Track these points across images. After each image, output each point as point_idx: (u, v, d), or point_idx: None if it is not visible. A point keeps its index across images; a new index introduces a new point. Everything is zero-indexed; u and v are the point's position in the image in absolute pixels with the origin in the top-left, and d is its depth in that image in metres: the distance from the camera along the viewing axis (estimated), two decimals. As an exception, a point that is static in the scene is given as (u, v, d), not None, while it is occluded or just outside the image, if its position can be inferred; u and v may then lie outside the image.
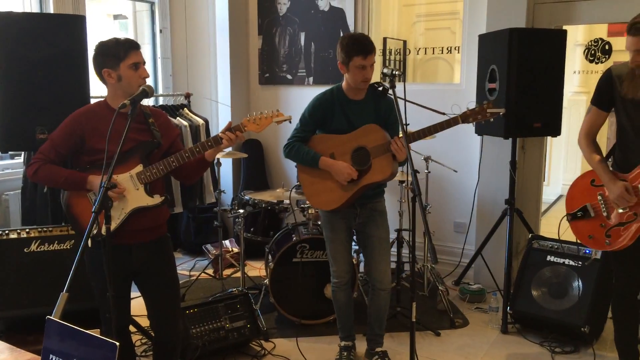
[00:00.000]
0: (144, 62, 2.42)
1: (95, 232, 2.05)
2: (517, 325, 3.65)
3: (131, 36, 5.33)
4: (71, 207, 2.41)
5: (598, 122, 2.77)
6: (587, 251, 3.45)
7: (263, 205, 4.13)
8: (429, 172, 4.15)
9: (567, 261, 3.51)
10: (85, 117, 2.38)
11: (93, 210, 1.92)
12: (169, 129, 2.56)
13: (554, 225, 5.97)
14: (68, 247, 3.22)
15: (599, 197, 2.74)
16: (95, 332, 1.41)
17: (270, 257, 3.86)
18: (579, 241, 2.84)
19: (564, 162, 7.27)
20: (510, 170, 3.84)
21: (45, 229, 3.23)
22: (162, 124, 2.52)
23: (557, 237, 3.67)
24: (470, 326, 3.73)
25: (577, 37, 6.06)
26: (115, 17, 5.68)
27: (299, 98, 4.98)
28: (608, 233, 2.70)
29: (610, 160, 2.87)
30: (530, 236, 3.78)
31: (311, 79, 5.18)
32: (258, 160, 5.49)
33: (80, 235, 2.36)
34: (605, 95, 2.70)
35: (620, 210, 2.65)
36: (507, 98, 3.58)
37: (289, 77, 5.30)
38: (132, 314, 2.67)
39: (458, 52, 4.65)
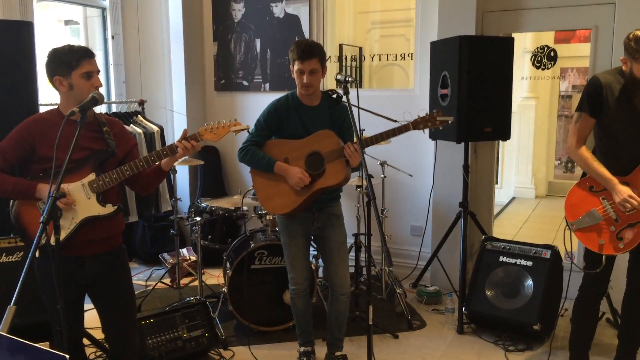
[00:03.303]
0: (98, 71, 2.38)
1: (44, 242, 2.00)
2: (473, 325, 3.73)
3: (82, 42, 5.24)
4: (20, 216, 2.34)
5: (588, 128, 2.82)
6: (537, 251, 3.57)
7: (220, 213, 4.10)
8: (385, 176, 4.21)
9: (519, 261, 3.62)
10: (35, 125, 2.32)
11: (41, 220, 1.87)
12: (125, 139, 2.52)
13: (507, 227, 6.18)
14: (17, 259, 3.12)
15: (603, 202, 2.78)
16: (44, 346, 1.38)
17: (228, 264, 3.83)
18: (589, 248, 2.81)
19: (515, 165, 7.50)
20: (463, 174, 3.94)
21: (-8, 241, 3.12)
22: (117, 133, 2.48)
23: (511, 239, 3.80)
24: (428, 328, 3.80)
25: (526, 44, 6.27)
26: (67, 22, 5.55)
27: (256, 104, 4.98)
28: (619, 236, 2.73)
29: None
30: (483, 237, 3.88)
31: (268, 85, 5.19)
32: (215, 167, 5.45)
33: (29, 246, 2.30)
34: (597, 103, 2.75)
35: (629, 212, 2.70)
36: (458, 103, 3.68)
37: (245, 83, 5.30)
38: (86, 326, 2.61)
39: (411, 59, 4.74)
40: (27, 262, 1.75)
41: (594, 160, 2.78)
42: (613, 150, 2.80)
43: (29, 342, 1.35)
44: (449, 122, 2.78)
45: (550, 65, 4.36)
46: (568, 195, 2.89)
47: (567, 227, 2.85)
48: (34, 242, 1.83)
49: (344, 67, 5.75)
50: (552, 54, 4.32)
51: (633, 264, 2.90)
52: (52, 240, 1.98)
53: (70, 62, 2.27)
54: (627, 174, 2.74)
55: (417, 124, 2.77)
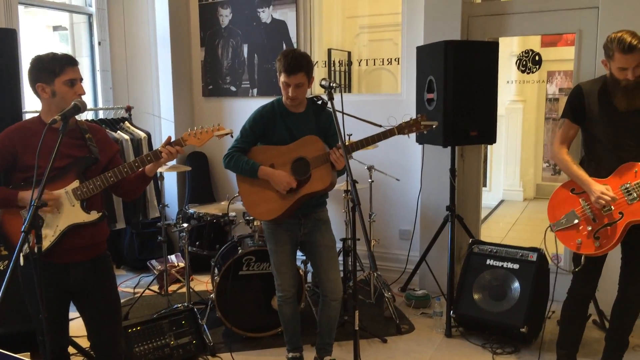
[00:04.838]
0: (81, 79, 2.37)
1: (28, 250, 1.99)
2: (461, 328, 3.74)
3: (69, 48, 5.22)
4: (3, 225, 2.33)
5: (570, 134, 2.94)
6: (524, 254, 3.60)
7: (208, 219, 4.09)
8: (373, 181, 4.22)
9: (505, 264, 3.64)
10: (17, 134, 2.31)
11: (22, 229, 1.86)
12: (108, 145, 2.51)
13: (496, 229, 6.21)
14: (1, 268, 3.10)
15: (582, 202, 2.85)
16: (25, 356, 1.37)
17: (216, 270, 3.82)
18: (569, 248, 2.91)
19: (504, 168, 7.54)
20: (450, 177, 3.96)
21: (-24, 250, 3.10)
22: (100, 139, 2.47)
23: (498, 242, 3.82)
24: (416, 331, 3.80)
25: (513, 48, 6.31)
26: (55, 28, 5.53)
27: (244, 110, 4.97)
28: (597, 235, 2.80)
29: None
30: (470, 241, 3.90)
31: (255, 90, 5.19)
32: (203, 173, 5.43)
33: (12, 255, 2.28)
34: (578, 110, 2.87)
35: (606, 212, 2.77)
36: (444, 108, 3.69)
37: (233, 88, 5.29)
38: (71, 334, 2.59)
39: (398, 64, 4.76)
40: (9, 270, 1.74)
41: (573, 163, 2.88)
42: (598, 154, 2.87)
43: (9, 353, 1.34)
44: (433, 126, 2.80)
45: (535, 69, 4.39)
46: (551, 198, 2.97)
47: (548, 227, 2.92)
48: (16, 250, 1.81)
49: (332, 72, 5.76)
50: (537, 58, 4.35)
51: (624, 271, 2.94)
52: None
53: (54, 69, 2.27)
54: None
55: (402, 129, 2.79)
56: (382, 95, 5.40)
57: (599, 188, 2.75)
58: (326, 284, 3.06)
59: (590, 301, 3.04)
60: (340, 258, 4.00)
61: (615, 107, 2.74)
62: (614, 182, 2.78)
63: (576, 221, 2.85)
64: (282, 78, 2.87)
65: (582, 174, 2.83)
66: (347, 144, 2.81)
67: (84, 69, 5.16)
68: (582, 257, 2.83)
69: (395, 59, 4.97)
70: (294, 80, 2.84)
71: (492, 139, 3.91)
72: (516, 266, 3.59)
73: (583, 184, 2.82)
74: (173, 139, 2.45)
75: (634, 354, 3.38)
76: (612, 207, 2.75)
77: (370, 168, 4.17)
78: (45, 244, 2.23)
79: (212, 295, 3.69)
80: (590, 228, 2.81)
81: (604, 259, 2.91)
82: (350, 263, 3.93)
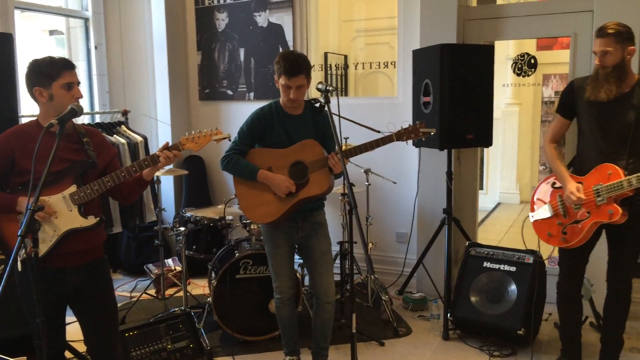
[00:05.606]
0: (79, 83, 2.37)
1: (25, 255, 1.99)
2: (458, 331, 3.75)
3: (66, 52, 5.22)
4: (1, 230, 2.32)
5: (561, 129, 3.06)
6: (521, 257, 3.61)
7: (205, 222, 4.09)
8: (370, 184, 4.23)
9: (502, 266, 3.65)
10: (15, 137, 2.31)
11: (19, 233, 1.85)
12: (105, 149, 2.51)
13: (493, 232, 6.22)
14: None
15: (558, 198, 2.97)
16: (21, 360, 1.37)
17: (213, 274, 3.81)
18: (540, 239, 3.10)
19: (500, 171, 7.56)
20: (446, 180, 3.96)
21: (-27, 255, 3.08)
22: (97, 143, 2.47)
23: (496, 244, 3.84)
24: (414, 334, 3.80)
25: (509, 51, 6.34)
26: (51, 32, 5.53)
27: (240, 113, 4.96)
28: (564, 230, 2.93)
29: (571, 168, 3.09)
30: (467, 244, 3.91)
31: (252, 94, 5.20)
32: (200, 177, 5.43)
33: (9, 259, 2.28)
34: (568, 105, 2.98)
35: (576, 210, 2.86)
36: (440, 111, 3.70)
37: (230, 92, 5.30)
38: (68, 338, 2.58)
39: (394, 67, 4.78)
40: (5, 275, 1.73)
41: (557, 158, 3.00)
42: (582, 150, 2.97)
43: (3, 356, 1.34)
44: (432, 133, 2.83)
45: (530, 73, 4.41)
46: (535, 190, 3.13)
47: (527, 217, 3.12)
48: (12, 254, 1.81)
49: (329, 76, 5.78)
50: (532, 61, 4.37)
51: (610, 269, 2.99)
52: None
53: (51, 72, 2.27)
54: None
55: (400, 136, 2.81)
56: (379, 99, 5.41)
57: (571, 187, 2.85)
58: (320, 287, 3.07)
59: (575, 296, 3.09)
60: (338, 261, 4.01)
61: (599, 99, 2.79)
62: (589, 181, 2.85)
63: (550, 214, 2.99)
64: (282, 81, 2.86)
65: (561, 169, 2.94)
66: (346, 148, 2.82)
67: (81, 73, 5.16)
68: (553, 249, 3.05)
69: (391, 63, 4.99)
70: (295, 83, 2.84)
71: (488, 142, 3.92)
72: (513, 269, 3.60)
73: (561, 179, 2.94)
74: (170, 143, 2.45)
75: (631, 357, 3.39)
76: (582, 206, 2.84)
77: (367, 171, 4.17)
78: (43, 249, 2.23)
79: (209, 299, 3.67)
80: (560, 223, 2.95)
81: (580, 255, 2.99)
82: (347, 266, 3.92)
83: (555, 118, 3.06)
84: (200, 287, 4.71)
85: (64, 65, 2.30)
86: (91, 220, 2.33)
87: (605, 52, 2.74)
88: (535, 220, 3.08)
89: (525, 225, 3.20)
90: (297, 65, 2.82)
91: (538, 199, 3.10)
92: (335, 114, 2.65)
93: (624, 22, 3.59)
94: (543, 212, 3.03)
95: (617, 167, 2.75)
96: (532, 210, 3.11)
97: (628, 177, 2.69)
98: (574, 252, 2.96)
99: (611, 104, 2.77)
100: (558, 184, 2.98)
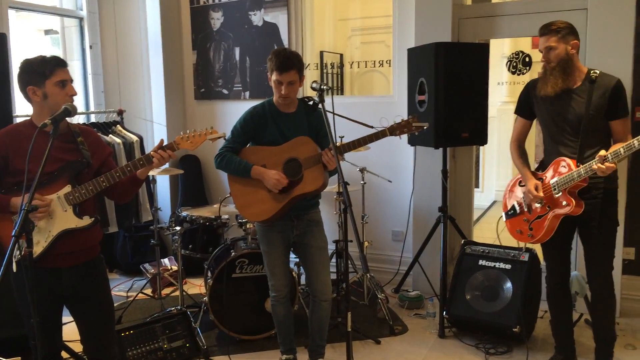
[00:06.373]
0: (72, 80, 2.36)
1: (19, 256, 1.99)
2: (454, 329, 3.76)
3: (61, 52, 5.21)
4: (-5, 230, 2.31)
5: (523, 129, 3.15)
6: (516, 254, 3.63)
7: (201, 221, 4.08)
8: (365, 182, 4.23)
9: (498, 264, 3.65)
10: (9, 137, 2.30)
11: (13, 234, 1.85)
12: (100, 148, 2.50)
13: (488, 230, 6.22)
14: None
15: (522, 196, 3.07)
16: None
17: (209, 273, 3.81)
18: (512, 236, 3.18)
19: (496, 169, 7.57)
20: (442, 178, 3.97)
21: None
22: (92, 142, 2.46)
23: (491, 242, 3.85)
24: (410, 332, 3.81)
25: (504, 49, 6.35)
26: (47, 32, 5.52)
27: (236, 112, 4.91)
28: (530, 226, 3.01)
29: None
30: (463, 242, 3.92)
31: (247, 93, 5.19)
32: (196, 176, 5.43)
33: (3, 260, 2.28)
34: (525, 105, 3.07)
35: (537, 205, 2.95)
36: (435, 109, 3.71)
37: (225, 91, 5.29)
38: (64, 339, 2.58)
39: (390, 66, 4.78)
40: (0, 276, 1.73)
41: (519, 158, 3.09)
42: (545, 147, 3.05)
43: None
44: (424, 127, 2.83)
45: (525, 71, 4.42)
46: (506, 189, 3.23)
47: (501, 217, 3.22)
48: (7, 255, 1.81)
49: (324, 75, 5.78)
50: (528, 59, 4.38)
51: (587, 266, 3.03)
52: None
53: (44, 71, 2.26)
54: None
55: (393, 130, 2.81)
56: (374, 97, 5.42)
57: (530, 185, 2.95)
58: (316, 285, 3.07)
59: (562, 290, 3.13)
60: (333, 260, 4.01)
61: (549, 93, 2.85)
62: (549, 176, 2.92)
63: (517, 212, 3.09)
64: (274, 76, 2.87)
65: (523, 168, 3.05)
66: (338, 145, 2.82)
67: (76, 72, 5.15)
68: (524, 245, 3.28)
69: (386, 61, 5.00)
70: (286, 78, 2.84)
71: (483, 140, 3.93)
72: (508, 266, 3.61)
73: (523, 178, 3.04)
74: (165, 142, 2.45)
75: (625, 353, 3.41)
76: (543, 201, 2.91)
77: (362, 170, 4.18)
78: (38, 249, 2.23)
79: (206, 298, 3.68)
80: (526, 219, 3.03)
81: (559, 249, 3.03)
82: (342, 265, 3.93)
83: (516, 119, 3.15)
84: (196, 286, 4.71)
85: (57, 63, 2.30)
86: (86, 220, 2.33)
87: (549, 47, 2.83)
88: (508, 219, 3.17)
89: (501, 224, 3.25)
90: (288, 61, 2.83)
91: (508, 197, 3.19)
92: (329, 111, 2.65)
93: (617, 21, 3.64)
94: (512, 211, 3.14)
95: (570, 160, 2.82)
96: (504, 209, 3.20)
97: (577, 168, 2.76)
98: (552, 246, 3.02)
99: (561, 98, 2.84)
100: (523, 183, 3.06)
